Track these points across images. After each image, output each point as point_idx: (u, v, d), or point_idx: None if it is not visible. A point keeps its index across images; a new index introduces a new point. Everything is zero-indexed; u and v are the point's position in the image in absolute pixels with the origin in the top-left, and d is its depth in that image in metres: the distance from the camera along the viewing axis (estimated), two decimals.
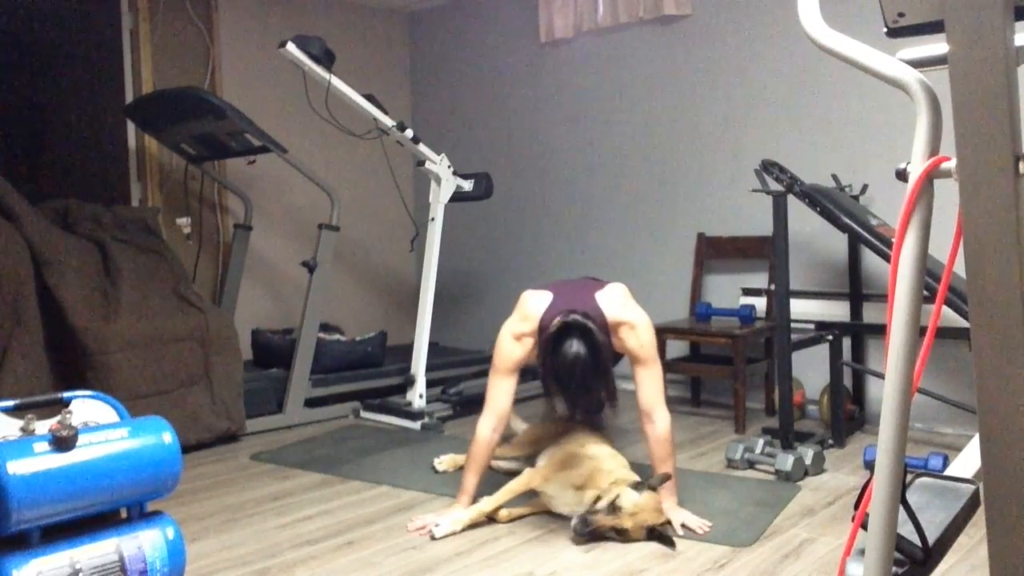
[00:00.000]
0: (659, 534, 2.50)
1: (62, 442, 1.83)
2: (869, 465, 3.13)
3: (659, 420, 2.68)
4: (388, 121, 3.97)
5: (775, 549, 2.44)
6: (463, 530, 2.60)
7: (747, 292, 4.28)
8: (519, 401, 4.05)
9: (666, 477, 2.59)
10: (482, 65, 5.43)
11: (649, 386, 2.70)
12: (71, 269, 3.44)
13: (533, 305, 2.78)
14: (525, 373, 2.92)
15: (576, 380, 2.61)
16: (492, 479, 3.09)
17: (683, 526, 2.59)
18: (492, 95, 5.39)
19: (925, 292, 1.12)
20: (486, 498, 2.65)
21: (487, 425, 2.73)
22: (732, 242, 4.32)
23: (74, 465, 1.84)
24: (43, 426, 1.93)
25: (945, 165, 1.07)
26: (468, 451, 2.77)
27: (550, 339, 2.63)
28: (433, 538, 2.56)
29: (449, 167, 4.22)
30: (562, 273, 4.87)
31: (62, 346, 3.38)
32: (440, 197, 4.20)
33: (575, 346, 2.58)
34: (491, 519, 2.68)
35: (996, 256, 0.99)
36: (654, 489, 2.53)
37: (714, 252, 4.39)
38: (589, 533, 2.46)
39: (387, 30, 5.72)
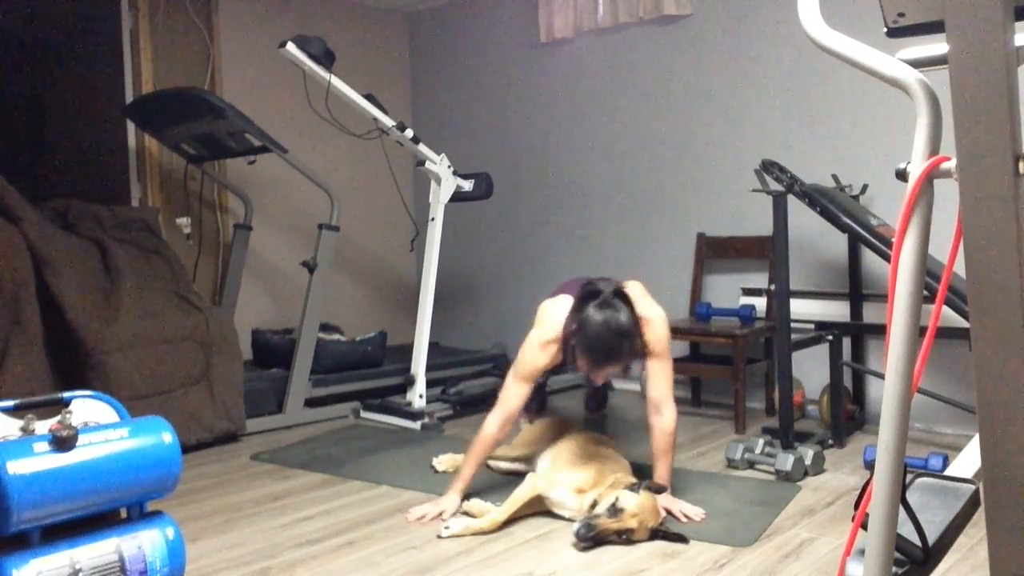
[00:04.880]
0: (664, 533, 2.50)
1: (62, 442, 1.84)
2: (869, 465, 3.13)
3: (666, 414, 2.75)
4: (388, 121, 3.97)
5: (775, 549, 2.44)
6: (470, 535, 2.59)
7: (747, 292, 4.28)
8: (549, 393, 4.09)
9: (662, 488, 2.61)
10: (482, 65, 5.43)
11: (660, 380, 2.77)
12: (71, 269, 3.44)
13: (554, 311, 2.80)
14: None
15: (606, 338, 2.59)
16: (490, 479, 3.09)
17: (682, 513, 2.67)
18: (492, 95, 5.39)
19: (925, 292, 1.12)
20: (498, 508, 2.64)
21: (496, 422, 2.77)
22: (732, 242, 4.32)
23: (74, 465, 1.84)
24: (43, 426, 1.93)
25: (945, 165, 1.07)
26: (472, 443, 2.80)
27: (581, 299, 2.66)
28: (439, 537, 2.56)
29: (449, 167, 4.22)
30: (562, 273, 4.87)
31: (62, 346, 3.38)
32: (440, 197, 4.20)
33: (607, 304, 2.62)
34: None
35: (996, 256, 0.99)
36: (651, 491, 2.54)
37: (714, 252, 4.39)
38: (592, 538, 2.45)
39: (387, 30, 5.72)
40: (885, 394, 1.11)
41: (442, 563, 2.38)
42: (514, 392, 2.79)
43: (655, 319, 2.78)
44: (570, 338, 2.68)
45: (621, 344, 2.63)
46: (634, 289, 2.83)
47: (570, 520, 2.60)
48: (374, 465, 3.36)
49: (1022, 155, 0.98)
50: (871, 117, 3.86)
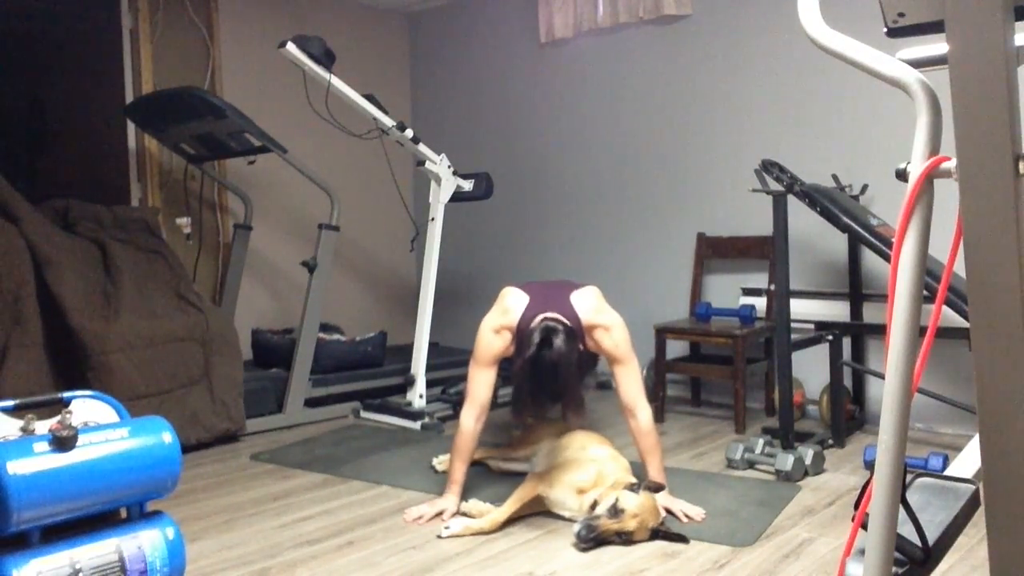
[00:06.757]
0: (664, 533, 2.50)
1: (62, 442, 1.84)
2: (869, 465, 3.13)
3: (641, 414, 2.75)
4: (388, 121, 3.97)
5: (775, 549, 2.44)
6: (470, 535, 2.59)
7: (747, 292, 4.28)
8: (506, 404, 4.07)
9: (660, 486, 2.61)
10: (482, 65, 5.43)
11: (628, 383, 2.77)
12: (71, 269, 3.44)
13: (512, 302, 2.83)
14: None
15: (553, 374, 2.60)
16: (490, 479, 3.09)
17: (683, 512, 2.67)
18: (492, 95, 5.39)
19: (925, 292, 1.12)
20: (498, 508, 2.65)
21: (470, 415, 2.77)
22: (732, 242, 4.32)
23: (74, 465, 1.84)
24: (43, 426, 1.93)
25: (945, 165, 1.07)
26: (453, 442, 2.80)
27: (530, 335, 2.65)
28: (439, 537, 2.56)
29: (449, 167, 4.22)
30: (562, 272, 4.87)
31: (62, 346, 3.38)
32: (440, 197, 4.20)
33: (555, 342, 2.60)
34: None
35: (996, 256, 0.99)
36: (650, 490, 2.54)
37: (714, 252, 4.39)
38: (593, 539, 2.45)
39: (387, 30, 5.72)
40: (885, 394, 1.11)
41: (442, 563, 2.38)
42: (480, 380, 2.79)
43: (613, 325, 2.79)
44: (522, 374, 2.65)
45: (571, 381, 2.64)
46: (590, 295, 2.85)
47: (570, 520, 2.60)
48: (374, 465, 3.36)
49: (1022, 155, 0.98)
50: (871, 117, 3.86)
